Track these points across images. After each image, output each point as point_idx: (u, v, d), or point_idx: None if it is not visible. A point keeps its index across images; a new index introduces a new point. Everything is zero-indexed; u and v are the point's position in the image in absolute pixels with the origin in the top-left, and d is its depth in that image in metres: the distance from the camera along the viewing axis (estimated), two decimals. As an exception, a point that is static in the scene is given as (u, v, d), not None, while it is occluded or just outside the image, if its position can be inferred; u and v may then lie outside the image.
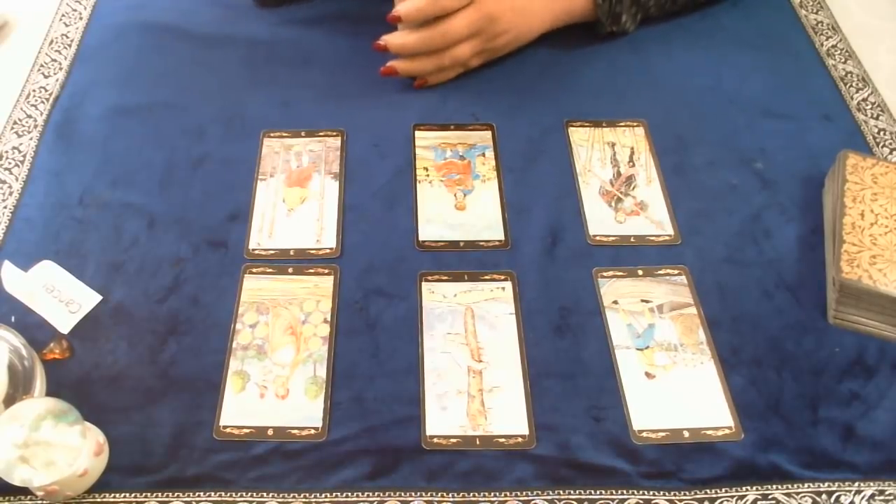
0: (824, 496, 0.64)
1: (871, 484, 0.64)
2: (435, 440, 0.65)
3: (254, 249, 0.77)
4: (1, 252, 0.76)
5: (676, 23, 0.99)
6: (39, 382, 0.66)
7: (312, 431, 0.65)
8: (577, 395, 0.68)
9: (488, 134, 0.87)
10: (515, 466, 0.64)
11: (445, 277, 0.75)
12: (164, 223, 0.78)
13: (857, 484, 0.64)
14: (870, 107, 0.92)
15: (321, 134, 0.87)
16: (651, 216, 0.80)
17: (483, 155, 0.85)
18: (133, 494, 0.62)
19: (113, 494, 0.62)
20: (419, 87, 0.90)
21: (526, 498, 0.63)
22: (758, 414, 0.67)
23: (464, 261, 0.77)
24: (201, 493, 0.62)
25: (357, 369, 0.69)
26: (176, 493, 0.62)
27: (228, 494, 0.62)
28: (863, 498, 0.63)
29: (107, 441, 0.64)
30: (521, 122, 0.88)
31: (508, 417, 0.66)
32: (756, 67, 0.95)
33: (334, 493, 0.63)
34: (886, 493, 0.64)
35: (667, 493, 0.63)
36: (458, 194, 0.82)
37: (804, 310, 0.74)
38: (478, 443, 0.65)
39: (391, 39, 0.86)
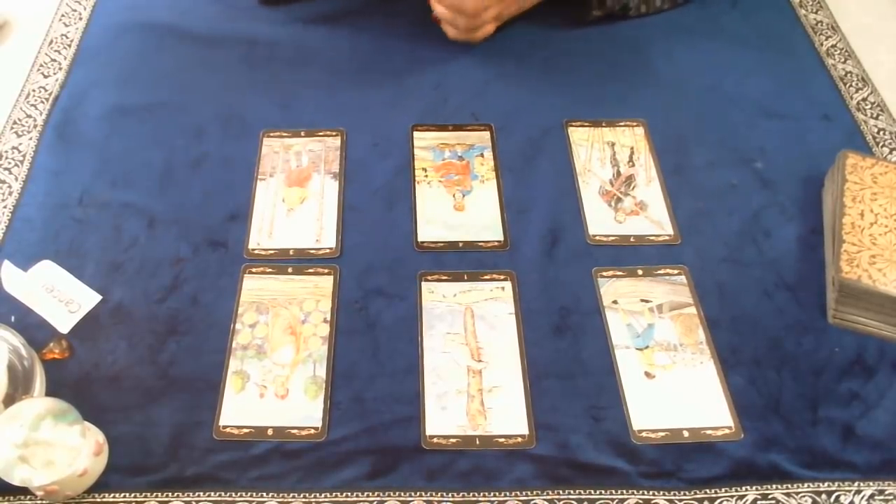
0: (824, 496, 0.64)
1: (871, 484, 0.64)
2: (435, 440, 0.65)
3: (253, 249, 0.77)
4: (1, 252, 0.76)
5: (676, 23, 0.99)
6: (39, 382, 0.66)
7: (312, 431, 0.65)
8: (577, 394, 0.68)
9: (486, 134, 0.87)
10: (515, 466, 0.64)
11: (445, 277, 0.75)
12: (163, 223, 0.78)
13: (856, 484, 0.64)
14: (869, 107, 0.92)
15: (321, 134, 0.87)
16: (651, 216, 0.80)
17: (482, 155, 0.85)
18: (133, 494, 0.62)
19: (113, 494, 0.62)
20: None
21: (526, 498, 0.63)
22: (758, 414, 0.67)
23: (463, 261, 0.77)
24: (201, 493, 0.62)
25: (357, 369, 0.69)
26: (176, 493, 0.62)
27: (228, 494, 0.62)
28: (862, 498, 0.63)
29: (106, 441, 0.64)
30: (521, 122, 0.88)
31: (508, 417, 0.66)
32: (756, 67, 0.95)
33: (334, 493, 0.63)
34: (886, 492, 0.64)
35: (666, 493, 0.63)
36: (456, 195, 0.82)
37: (804, 310, 0.74)
38: (478, 443, 0.65)
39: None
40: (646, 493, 0.63)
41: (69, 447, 0.59)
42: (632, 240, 0.79)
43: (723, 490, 0.63)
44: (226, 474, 0.63)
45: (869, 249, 0.72)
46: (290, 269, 0.75)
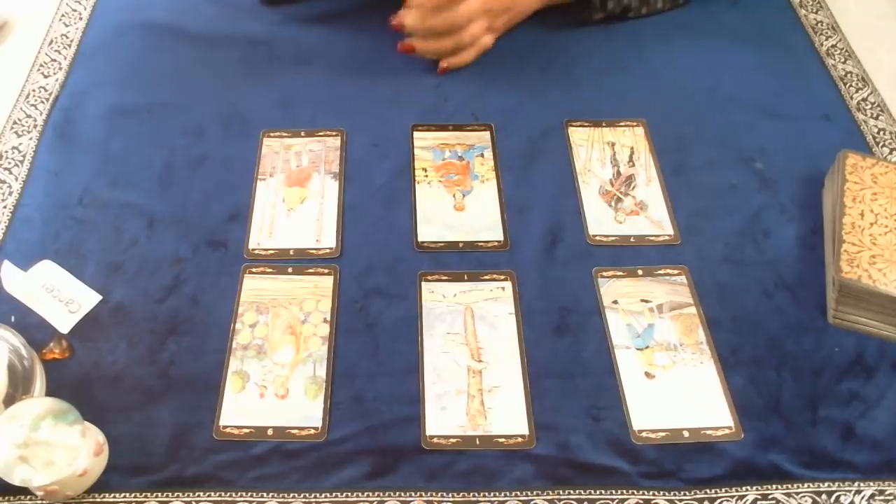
0: (824, 496, 0.64)
1: (871, 484, 0.64)
2: (435, 440, 0.65)
3: (254, 249, 0.77)
4: (1, 252, 0.76)
5: (676, 22, 0.99)
6: (39, 382, 0.66)
7: (312, 431, 0.65)
8: (577, 394, 0.68)
9: (486, 134, 0.87)
10: (515, 466, 0.64)
11: (445, 277, 0.75)
12: (163, 223, 0.78)
13: (856, 484, 0.64)
14: (869, 107, 0.92)
15: (321, 134, 0.87)
16: (651, 216, 0.80)
17: (482, 155, 0.85)
18: (133, 494, 0.62)
19: (113, 494, 0.62)
20: (443, 73, 0.91)
21: (526, 498, 0.63)
22: (758, 414, 0.67)
23: (463, 261, 0.77)
24: (201, 493, 0.62)
25: (357, 369, 0.69)
26: (176, 493, 0.62)
27: (228, 494, 0.62)
28: (862, 498, 0.63)
29: (106, 441, 0.64)
30: (521, 122, 0.88)
31: (508, 417, 0.66)
32: (756, 67, 0.95)
33: (334, 493, 0.63)
34: (886, 492, 0.64)
35: (666, 493, 0.63)
36: (456, 195, 0.82)
37: (804, 310, 0.74)
38: (478, 443, 0.65)
39: (407, 18, 0.86)
40: (646, 493, 0.63)
41: (69, 447, 0.59)
42: (632, 240, 0.79)
43: (723, 490, 0.63)
44: (226, 474, 0.63)
45: (869, 249, 0.72)
46: (290, 269, 0.75)
